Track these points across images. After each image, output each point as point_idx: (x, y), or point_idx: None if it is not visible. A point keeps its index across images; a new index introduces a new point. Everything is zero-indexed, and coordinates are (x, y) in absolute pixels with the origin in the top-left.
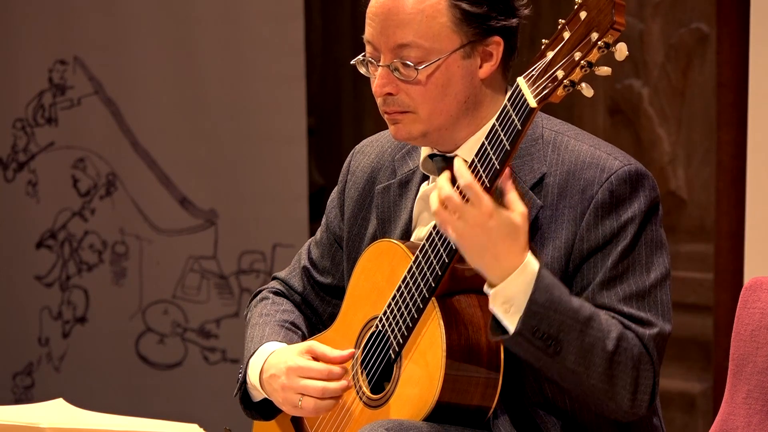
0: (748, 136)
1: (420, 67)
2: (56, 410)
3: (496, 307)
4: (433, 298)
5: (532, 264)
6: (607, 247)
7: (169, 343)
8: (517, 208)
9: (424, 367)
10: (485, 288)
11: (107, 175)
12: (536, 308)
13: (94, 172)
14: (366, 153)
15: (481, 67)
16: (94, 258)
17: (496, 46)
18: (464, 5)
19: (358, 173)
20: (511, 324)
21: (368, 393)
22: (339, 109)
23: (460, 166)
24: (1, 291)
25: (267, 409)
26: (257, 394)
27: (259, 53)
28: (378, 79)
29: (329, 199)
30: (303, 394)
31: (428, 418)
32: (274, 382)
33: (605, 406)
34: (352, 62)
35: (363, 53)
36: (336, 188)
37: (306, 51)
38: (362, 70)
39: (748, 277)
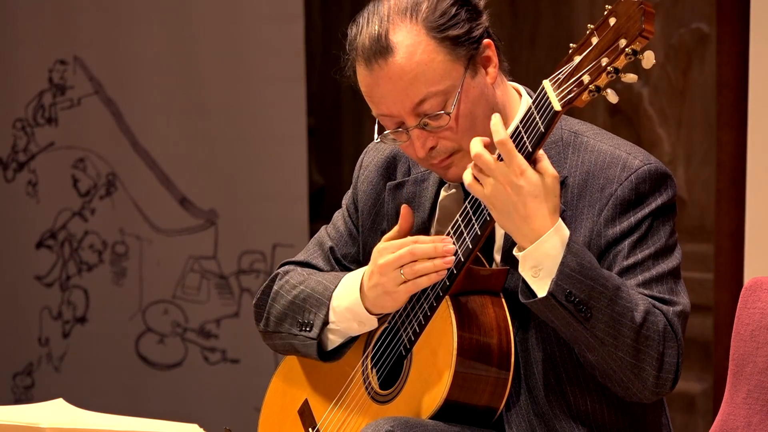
0: (748, 136)
1: (450, 111)
2: (56, 410)
3: (524, 271)
4: (446, 297)
5: (563, 229)
6: (624, 240)
7: (169, 343)
8: (549, 172)
9: (434, 365)
10: (515, 251)
11: (107, 175)
12: (568, 271)
13: (94, 172)
14: (380, 149)
15: (487, 73)
16: (94, 258)
17: (489, 48)
18: (449, 33)
19: (371, 168)
20: (540, 289)
21: (377, 388)
22: (339, 109)
23: (495, 123)
24: (1, 291)
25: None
26: (334, 338)
27: (259, 53)
28: (416, 142)
29: (345, 194)
30: (400, 267)
31: (436, 416)
32: (372, 280)
33: (630, 385)
34: (375, 141)
35: (381, 130)
36: (351, 185)
37: (306, 51)
38: (390, 144)
39: (748, 277)
